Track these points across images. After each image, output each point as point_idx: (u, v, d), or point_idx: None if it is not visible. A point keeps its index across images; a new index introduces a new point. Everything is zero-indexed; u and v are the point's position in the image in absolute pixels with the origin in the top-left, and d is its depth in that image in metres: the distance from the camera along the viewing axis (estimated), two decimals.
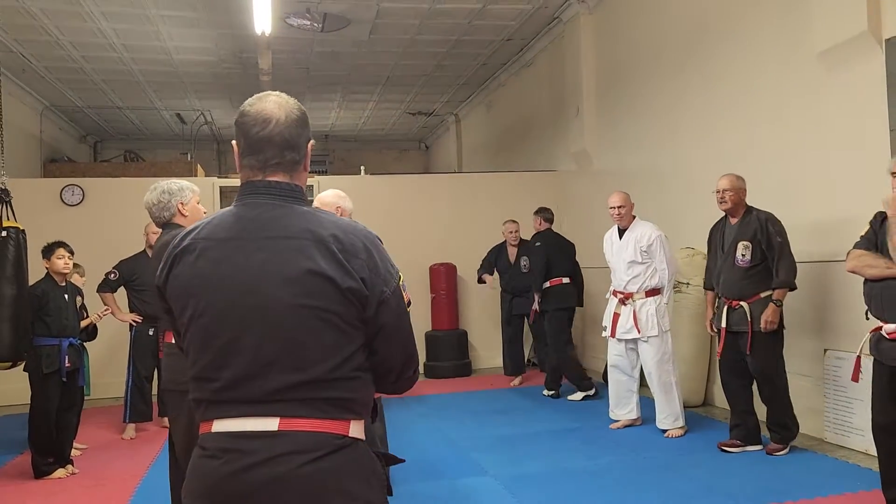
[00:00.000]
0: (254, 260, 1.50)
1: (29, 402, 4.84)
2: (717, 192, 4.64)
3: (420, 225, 8.59)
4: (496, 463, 4.67)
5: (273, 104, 1.58)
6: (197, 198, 3.30)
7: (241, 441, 1.46)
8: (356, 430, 1.52)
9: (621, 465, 4.54)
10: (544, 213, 6.95)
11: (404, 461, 1.65)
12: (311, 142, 1.64)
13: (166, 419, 6.17)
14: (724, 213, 4.73)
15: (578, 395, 6.53)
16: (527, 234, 7.38)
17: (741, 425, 4.63)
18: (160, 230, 3.31)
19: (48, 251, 4.99)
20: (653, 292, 5.24)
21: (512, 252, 7.50)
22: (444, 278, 8.37)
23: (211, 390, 1.51)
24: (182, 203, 3.22)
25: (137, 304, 5.87)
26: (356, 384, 1.52)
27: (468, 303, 8.68)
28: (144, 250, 6.12)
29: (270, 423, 1.46)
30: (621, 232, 5.41)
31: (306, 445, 1.44)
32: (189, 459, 3.03)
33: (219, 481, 1.46)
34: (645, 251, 5.23)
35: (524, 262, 7.35)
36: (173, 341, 3.07)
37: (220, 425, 1.50)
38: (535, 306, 6.76)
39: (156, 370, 6.04)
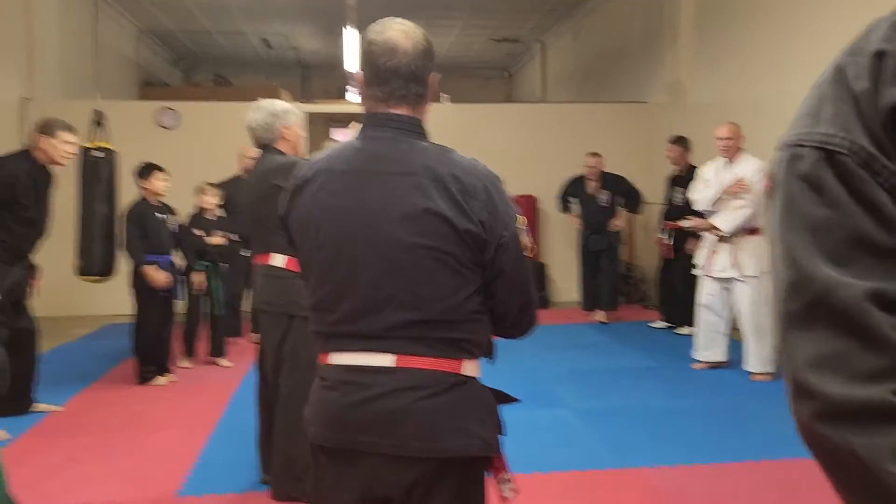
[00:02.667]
0: (372, 195, 1.50)
1: (130, 314, 5.17)
2: None
3: (501, 155, 8.47)
4: (574, 397, 4.73)
5: (400, 33, 1.53)
6: (299, 123, 3.30)
7: (358, 374, 1.50)
8: (471, 368, 1.53)
9: (702, 406, 4.52)
10: (684, 143, 6.61)
11: (519, 401, 1.66)
12: (435, 75, 1.60)
13: (255, 335, 6.50)
14: None
15: (686, 330, 6.52)
16: (611, 168, 7.23)
17: None
18: (258, 153, 3.33)
19: (145, 172, 5.20)
20: (754, 231, 5.06)
21: (591, 186, 7.33)
22: (523, 210, 8.28)
23: (329, 322, 1.54)
24: (285, 127, 3.21)
25: (233, 225, 6.06)
26: (472, 325, 1.52)
27: (547, 235, 8.63)
28: (239, 174, 6.30)
29: (387, 359, 1.48)
30: (724, 167, 5.19)
31: (422, 382, 1.47)
32: (276, 376, 3.20)
33: (338, 411, 1.51)
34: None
35: (604, 196, 7.21)
36: (271, 263, 3.20)
37: (338, 358, 1.54)
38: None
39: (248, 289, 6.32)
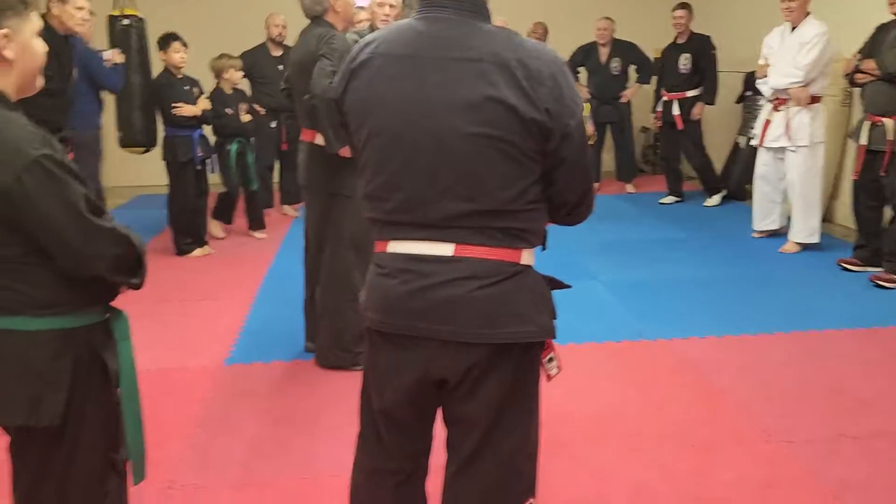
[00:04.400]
0: (431, 81, 1.44)
1: (163, 185, 5.22)
2: None
3: (508, 19, 8.08)
4: (604, 268, 4.78)
5: None
6: None
7: (417, 263, 1.50)
8: (528, 257, 1.54)
9: (732, 276, 4.57)
10: (689, 9, 6.44)
11: (570, 286, 1.68)
12: None
13: (286, 207, 6.58)
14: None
15: (716, 199, 6.47)
16: (622, 35, 6.93)
17: (865, 246, 4.52)
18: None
19: (164, 43, 5.06)
20: (812, 100, 4.88)
21: (603, 53, 6.98)
22: None
23: (385, 210, 1.53)
24: None
25: (259, 96, 5.97)
26: (530, 215, 1.51)
27: None
28: (265, 42, 6.13)
29: (445, 248, 1.48)
30: (788, 33, 4.94)
31: (481, 271, 1.47)
32: (320, 252, 3.26)
33: (397, 299, 1.52)
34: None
35: (615, 64, 6.93)
36: (316, 141, 3.18)
37: (396, 246, 1.54)
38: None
39: (278, 161, 6.33)
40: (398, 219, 1.53)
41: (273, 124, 6.07)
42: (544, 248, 1.63)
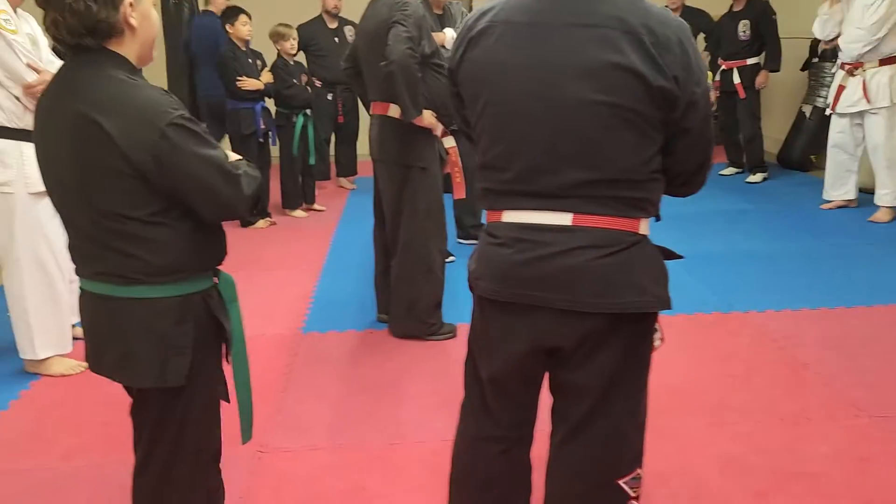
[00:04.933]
0: (553, 48, 1.41)
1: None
2: None
3: None
4: (670, 241, 4.67)
5: None
6: None
7: (533, 232, 1.49)
8: (645, 227, 1.52)
9: (803, 249, 4.46)
10: None
11: (683, 258, 1.66)
12: None
13: (342, 179, 6.61)
14: None
15: (759, 177, 6.32)
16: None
17: None
18: None
19: (230, 17, 5.09)
20: (888, 60, 4.73)
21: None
22: None
23: (501, 180, 1.52)
24: None
25: (316, 69, 5.97)
26: (650, 185, 1.49)
27: None
28: (321, 15, 6.12)
29: (564, 218, 1.46)
30: None
31: (600, 240, 1.46)
32: (395, 224, 3.28)
33: (512, 268, 1.51)
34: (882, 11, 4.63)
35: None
36: (389, 113, 3.17)
37: (512, 216, 1.52)
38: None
39: (334, 134, 6.34)
40: (515, 188, 1.51)
41: (329, 97, 6.07)
42: (658, 219, 1.61)
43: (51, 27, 1.42)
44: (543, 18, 1.44)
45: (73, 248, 1.57)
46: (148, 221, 1.45)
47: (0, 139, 2.78)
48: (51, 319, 2.97)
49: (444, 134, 3.32)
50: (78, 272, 1.57)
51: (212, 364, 1.63)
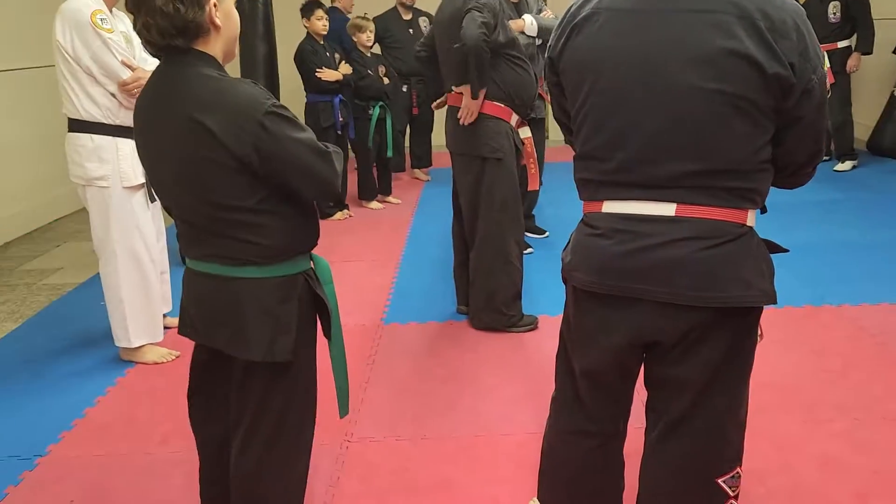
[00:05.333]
0: (662, 36, 1.37)
1: None
2: None
3: None
4: (763, 231, 4.54)
5: None
6: None
7: (635, 223, 1.46)
8: (752, 219, 1.46)
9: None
10: None
11: (788, 251, 1.60)
12: None
13: (417, 171, 6.64)
14: None
15: (848, 165, 6.04)
16: None
17: None
18: None
19: (307, 11, 5.16)
20: None
21: None
22: None
23: (602, 171, 1.49)
24: None
25: (391, 60, 6.00)
26: (759, 175, 1.43)
27: None
28: (395, 7, 6.15)
29: (667, 209, 1.42)
30: None
31: (704, 232, 1.41)
32: (472, 216, 3.27)
33: (611, 259, 1.48)
34: None
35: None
36: (493, 105, 3.16)
37: (612, 206, 1.50)
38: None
39: (409, 126, 6.37)
40: (617, 179, 1.48)
41: (404, 88, 6.09)
42: (764, 211, 1.54)
43: (142, 31, 1.48)
44: (651, 4, 1.40)
45: (181, 236, 1.64)
46: (256, 209, 1.51)
47: (97, 135, 2.89)
48: (144, 309, 3.07)
49: (521, 125, 3.29)
50: (186, 254, 1.65)
51: (312, 343, 1.70)
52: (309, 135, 1.51)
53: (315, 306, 1.67)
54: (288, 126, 1.48)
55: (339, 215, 5.34)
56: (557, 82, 1.58)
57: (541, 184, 3.47)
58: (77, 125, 2.89)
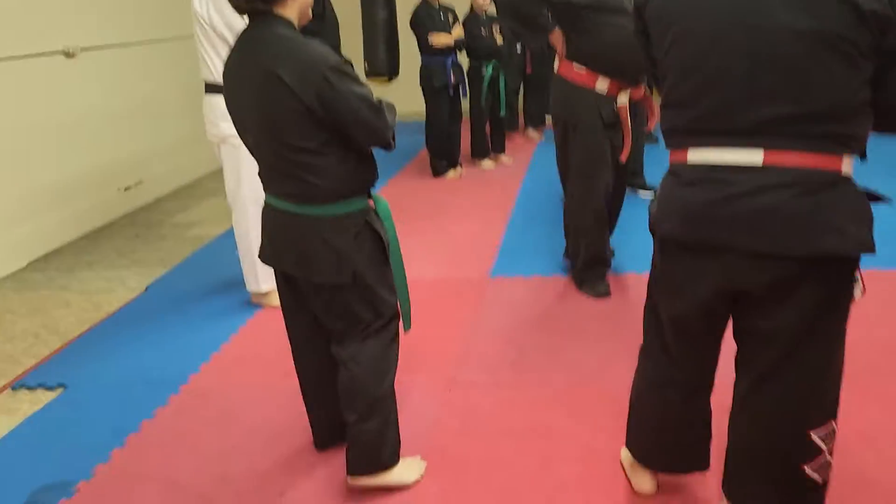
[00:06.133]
0: None
1: (416, 112, 5.51)
2: None
3: None
4: (862, 180, 4.27)
5: None
6: None
7: (721, 172, 1.45)
8: (848, 166, 1.43)
9: None
10: None
11: (888, 200, 1.55)
12: None
13: (530, 130, 6.66)
14: None
15: None
16: None
17: None
18: None
19: None
20: None
21: None
22: None
23: (688, 118, 1.50)
24: None
25: None
26: (857, 119, 1.40)
27: None
28: None
29: (754, 156, 1.42)
30: None
31: (795, 179, 1.40)
32: (564, 173, 3.31)
33: (698, 209, 1.49)
34: None
35: None
36: (555, 69, 3.18)
37: (697, 155, 1.50)
38: None
39: (523, 85, 6.38)
40: (703, 126, 1.48)
41: (518, 48, 6.10)
42: (863, 158, 1.51)
43: None
44: None
45: (261, 174, 1.93)
46: (317, 151, 1.78)
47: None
48: None
49: (618, 89, 3.13)
50: (265, 191, 1.95)
51: (375, 265, 1.95)
52: (364, 90, 1.75)
53: (378, 237, 1.93)
54: (347, 81, 1.73)
55: (452, 174, 5.47)
56: (644, 30, 1.59)
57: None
58: (212, 88, 3.13)
